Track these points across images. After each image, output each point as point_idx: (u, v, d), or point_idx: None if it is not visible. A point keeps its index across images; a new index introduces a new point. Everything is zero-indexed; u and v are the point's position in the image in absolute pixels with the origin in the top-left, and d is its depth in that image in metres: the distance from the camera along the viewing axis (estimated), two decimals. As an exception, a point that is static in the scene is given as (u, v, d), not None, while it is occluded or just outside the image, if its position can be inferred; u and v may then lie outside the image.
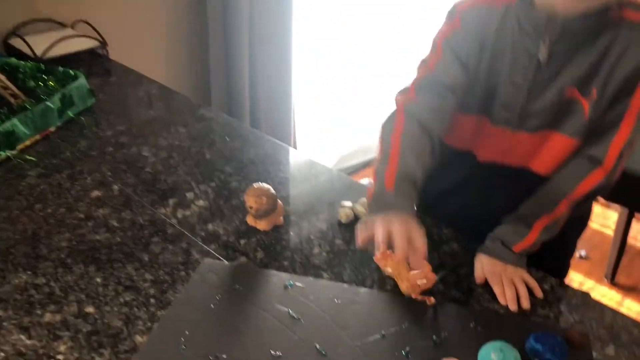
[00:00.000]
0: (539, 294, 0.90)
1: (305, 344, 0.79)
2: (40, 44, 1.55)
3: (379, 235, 0.85)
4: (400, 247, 0.84)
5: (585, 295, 0.91)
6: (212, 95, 2.16)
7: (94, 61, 1.66)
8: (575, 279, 2.30)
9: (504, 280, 0.90)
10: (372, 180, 0.96)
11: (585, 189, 0.94)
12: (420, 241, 0.85)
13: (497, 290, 0.90)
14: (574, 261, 2.50)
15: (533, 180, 1.00)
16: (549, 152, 0.98)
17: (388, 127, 0.98)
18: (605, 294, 2.24)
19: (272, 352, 0.78)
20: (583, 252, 2.40)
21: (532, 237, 0.95)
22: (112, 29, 1.74)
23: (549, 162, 0.99)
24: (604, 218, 2.61)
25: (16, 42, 1.58)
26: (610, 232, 2.40)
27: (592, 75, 0.90)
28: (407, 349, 0.80)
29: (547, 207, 0.95)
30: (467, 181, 1.09)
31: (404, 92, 1.02)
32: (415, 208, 0.94)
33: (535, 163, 1.00)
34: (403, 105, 1.00)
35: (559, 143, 0.96)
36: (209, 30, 2.04)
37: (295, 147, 2.48)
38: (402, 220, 0.86)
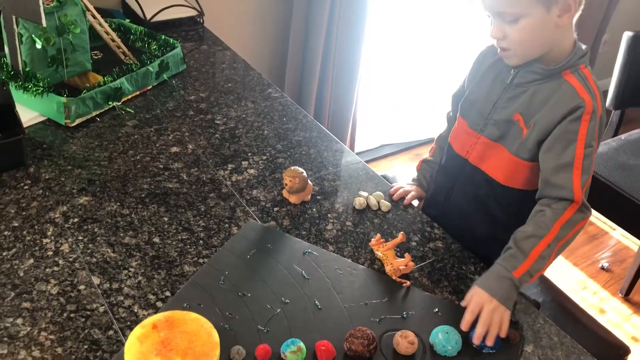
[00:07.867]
0: (503, 336, 1.02)
1: (308, 298, 1.07)
2: (150, 7, 1.85)
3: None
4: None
5: (530, 303, 1.13)
6: (285, 80, 2.44)
7: (191, 27, 1.96)
8: (591, 287, 2.45)
9: (483, 314, 1.02)
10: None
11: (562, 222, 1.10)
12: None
13: (467, 316, 1.03)
14: (594, 271, 2.69)
15: (484, 178, 1.26)
16: (496, 160, 1.23)
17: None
18: (615, 307, 2.39)
19: (283, 299, 1.06)
20: (606, 264, 2.53)
21: (528, 263, 1.06)
22: (210, 1, 2.02)
23: (496, 168, 1.24)
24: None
25: (132, 3, 1.90)
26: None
27: (533, 111, 1.15)
28: (382, 317, 1.06)
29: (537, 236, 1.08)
30: (443, 168, 1.38)
31: None
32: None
33: (485, 165, 1.26)
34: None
35: (503, 155, 1.21)
36: (292, 21, 2.29)
37: (353, 128, 2.75)
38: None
